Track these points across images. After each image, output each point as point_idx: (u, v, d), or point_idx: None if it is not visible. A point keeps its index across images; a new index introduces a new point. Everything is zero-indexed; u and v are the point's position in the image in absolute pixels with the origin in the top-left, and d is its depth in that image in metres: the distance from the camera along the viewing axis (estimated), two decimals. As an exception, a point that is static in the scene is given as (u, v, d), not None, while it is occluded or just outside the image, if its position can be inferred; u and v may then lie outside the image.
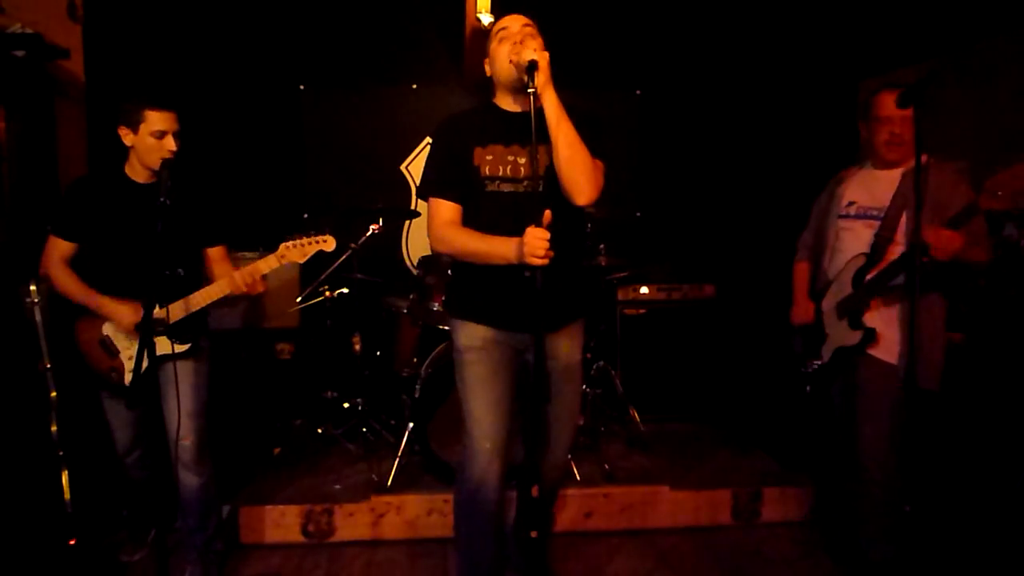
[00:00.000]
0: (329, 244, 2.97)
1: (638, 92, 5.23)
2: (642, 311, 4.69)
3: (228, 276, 2.84)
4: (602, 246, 4.24)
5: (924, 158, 2.49)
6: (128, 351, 2.83)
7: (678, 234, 5.14)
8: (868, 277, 2.78)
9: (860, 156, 3.04)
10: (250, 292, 2.87)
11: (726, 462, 4.00)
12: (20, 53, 3.24)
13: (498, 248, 2.34)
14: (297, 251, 2.92)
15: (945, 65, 4.02)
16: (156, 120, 2.70)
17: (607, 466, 3.73)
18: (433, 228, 2.49)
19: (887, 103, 2.76)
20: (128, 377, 2.82)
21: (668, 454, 4.08)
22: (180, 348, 2.80)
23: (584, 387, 4.08)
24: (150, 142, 2.70)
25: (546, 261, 2.20)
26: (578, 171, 2.33)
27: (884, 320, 2.77)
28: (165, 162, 2.63)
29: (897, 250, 2.72)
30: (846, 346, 2.84)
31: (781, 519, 3.60)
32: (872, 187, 2.87)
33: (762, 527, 3.58)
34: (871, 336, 2.75)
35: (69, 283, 2.79)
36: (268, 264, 2.88)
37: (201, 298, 2.82)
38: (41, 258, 2.83)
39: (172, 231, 2.73)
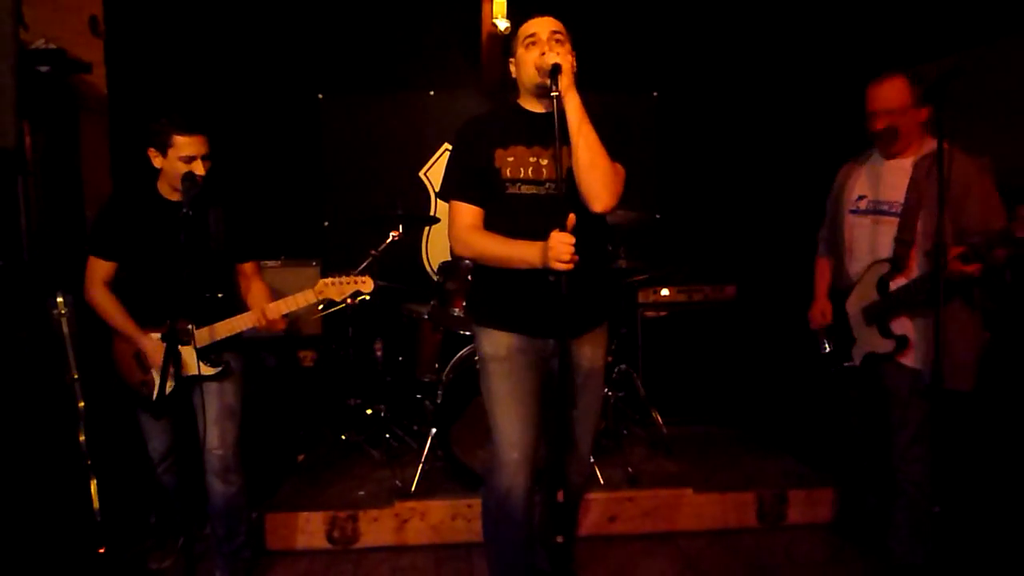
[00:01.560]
0: (367, 285, 2.96)
1: (655, 94, 5.21)
2: (663, 313, 4.67)
3: (256, 309, 2.83)
4: (622, 248, 4.23)
5: (945, 145, 2.43)
6: (153, 370, 2.89)
7: (698, 235, 5.11)
8: (893, 287, 2.75)
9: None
10: (272, 328, 2.89)
11: (750, 464, 3.97)
12: (44, 68, 3.28)
13: (521, 252, 2.31)
14: (335, 289, 2.90)
15: (966, 61, 3.97)
16: (184, 145, 2.70)
17: (630, 469, 3.71)
18: (454, 231, 2.47)
19: (869, 97, 2.75)
20: (154, 391, 2.88)
21: (691, 457, 4.06)
22: (209, 371, 2.85)
23: (606, 390, 4.07)
24: (179, 166, 2.70)
25: (571, 266, 2.16)
26: (597, 177, 2.30)
27: (911, 326, 2.74)
28: (187, 174, 2.66)
29: (918, 255, 2.68)
30: (877, 353, 2.82)
31: (807, 521, 3.56)
32: (881, 179, 2.82)
33: (788, 529, 3.55)
34: (904, 344, 2.73)
35: (109, 308, 2.85)
36: (306, 299, 2.86)
37: (226, 328, 2.84)
38: (84, 282, 2.88)
39: (204, 248, 2.80)
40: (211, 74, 4.74)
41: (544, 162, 2.40)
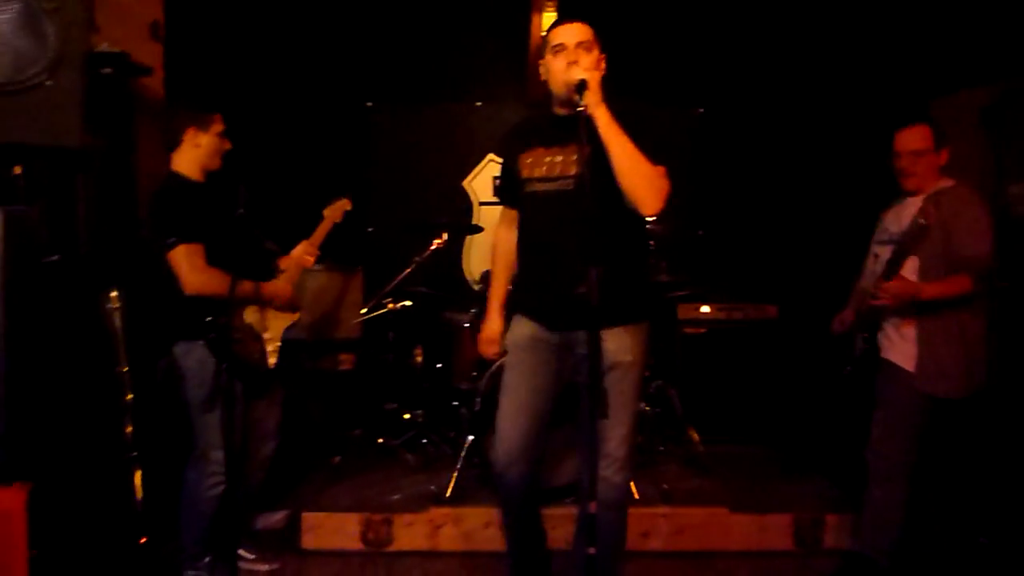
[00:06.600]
0: (347, 203, 3.54)
1: (700, 110, 5.21)
2: (702, 330, 4.64)
3: (301, 245, 3.28)
4: (663, 263, 4.23)
5: (951, 183, 2.91)
6: (266, 333, 3.11)
7: (740, 253, 5.08)
8: (868, 303, 3.00)
9: None
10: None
11: (787, 486, 3.92)
12: (107, 70, 3.38)
13: (490, 302, 2.89)
14: (330, 211, 3.47)
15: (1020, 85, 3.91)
16: (220, 122, 3.06)
17: (665, 486, 3.69)
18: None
19: (897, 139, 3.02)
20: (272, 359, 3.11)
21: (727, 476, 4.01)
22: (290, 319, 3.23)
23: (643, 405, 4.06)
24: (217, 141, 3.04)
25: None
26: (640, 182, 2.35)
27: (901, 329, 2.95)
28: (240, 179, 2.78)
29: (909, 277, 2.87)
30: (856, 356, 3.17)
31: (845, 547, 3.49)
32: (900, 214, 3.07)
33: (825, 555, 3.47)
34: (870, 354, 3.05)
35: (223, 279, 2.75)
36: (325, 227, 3.39)
37: (296, 269, 3.25)
38: (183, 276, 2.82)
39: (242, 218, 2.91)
40: (263, 80, 4.84)
41: (559, 159, 2.49)
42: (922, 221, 2.67)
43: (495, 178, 2.80)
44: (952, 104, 4.43)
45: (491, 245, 2.94)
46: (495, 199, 4.91)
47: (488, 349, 2.91)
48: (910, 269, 2.87)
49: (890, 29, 4.64)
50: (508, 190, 2.76)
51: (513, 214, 2.77)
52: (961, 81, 4.27)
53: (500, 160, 2.83)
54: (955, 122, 3.28)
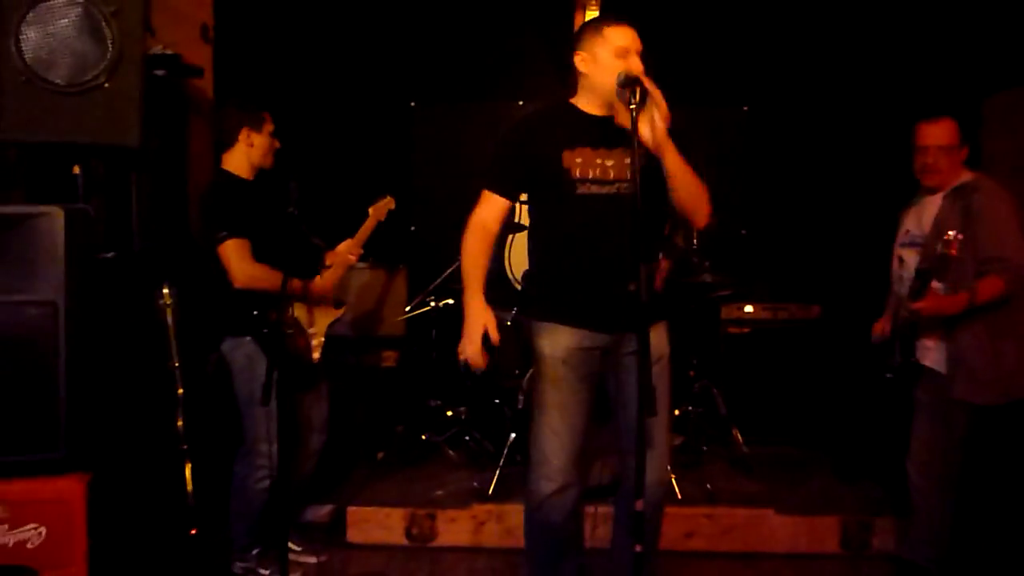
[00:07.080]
0: (391, 202, 3.46)
1: (745, 108, 5.15)
2: (746, 330, 4.59)
3: (344, 244, 3.26)
4: (707, 263, 4.19)
5: (972, 175, 2.81)
6: (311, 328, 3.16)
7: (784, 253, 5.01)
8: (903, 314, 2.92)
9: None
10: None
11: (832, 489, 3.87)
12: (160, 72, 3.46)
13: (469, 294, 2.53)
14: (375, 209, 3.40)
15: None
16: (270, 121, 3.12)
17: (709, 486, 3.66)
18: (472, 218, 2.59)
19: (921, 133, 2.90)
20: (316, 354, 3.16)
21: (772, 477, 3.97)
22: (337, 312, 3.29)
23: (688, 407, 4.04)
24: (268, 141, 3.10)
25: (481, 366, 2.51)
26: (697, 200, 2.45)
27: (936, 334, 2.86)
28: (292, 177, 2.82)
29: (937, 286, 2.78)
30: (893, 365, 3.01)
31: (893, 551, 3.43)
32: (920, 213, 2.99)
33: (873, 559, 3.42)
34: (912, 367, 2.90)
35: (271, 273, 2.86)
36: (369, 226, 3.34)
37: (341, 266, 3.26)
38: (231, 269, 2.91)
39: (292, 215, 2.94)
40: (309, 81, 4.91)
41: (610, 163, 2.47)
42: (944, 251, 2.60)
43: (503, 161, 2.65)
44: (1010, 99, 4.32)
45: (478, 236, 2.56)
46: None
47: (479, 360, 2.54)
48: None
49: (941, 24, 4.55)
50: (522, 183, 2.60)
51: (506, 206, 2.58)
52: (1017, 78, 4.17)
53: (522, 146, 2.56)
54: (1013, 117, 3.19)
